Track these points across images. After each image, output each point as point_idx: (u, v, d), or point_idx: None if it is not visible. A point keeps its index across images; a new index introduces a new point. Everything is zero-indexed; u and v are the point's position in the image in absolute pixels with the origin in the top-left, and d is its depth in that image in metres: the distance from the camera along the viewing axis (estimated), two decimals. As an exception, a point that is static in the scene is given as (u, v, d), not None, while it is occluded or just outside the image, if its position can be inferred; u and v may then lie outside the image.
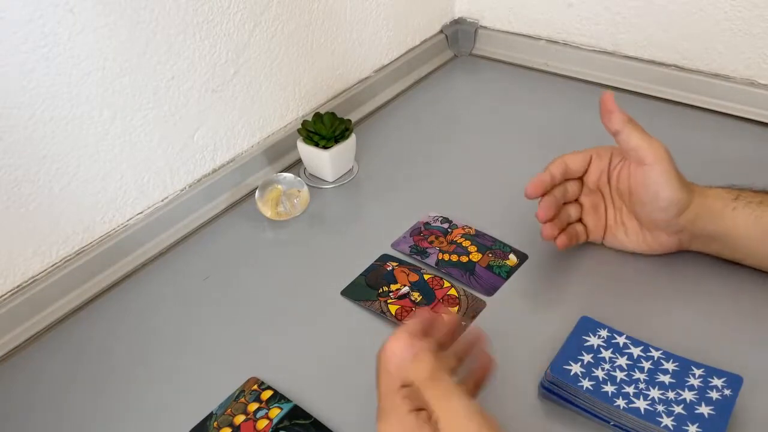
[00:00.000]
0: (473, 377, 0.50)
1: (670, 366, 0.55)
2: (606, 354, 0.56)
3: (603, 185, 0.66)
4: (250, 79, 0.80)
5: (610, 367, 0.55)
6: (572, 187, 0.66)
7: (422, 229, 0.74)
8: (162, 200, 0.76)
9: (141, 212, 0.74)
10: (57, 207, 0.66)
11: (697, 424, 0.50)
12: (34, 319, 0.67)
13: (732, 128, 0.86)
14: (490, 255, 0.70)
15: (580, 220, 0.68)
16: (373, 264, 0.70)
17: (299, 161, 0.86)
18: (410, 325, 0.47)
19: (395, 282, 0.68)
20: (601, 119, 0.63)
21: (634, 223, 0.66)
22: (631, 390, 0.53)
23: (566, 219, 0.67)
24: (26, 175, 0.63)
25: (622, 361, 0.55)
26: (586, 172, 0.66)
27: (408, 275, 0.69)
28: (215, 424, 0.56)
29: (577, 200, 0.68)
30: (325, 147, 0.80)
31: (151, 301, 0.70)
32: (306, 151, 0.82)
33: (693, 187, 0.62)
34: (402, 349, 0.45)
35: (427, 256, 0.71)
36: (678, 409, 0.51)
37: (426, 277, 0.68)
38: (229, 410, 0.57)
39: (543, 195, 0.64)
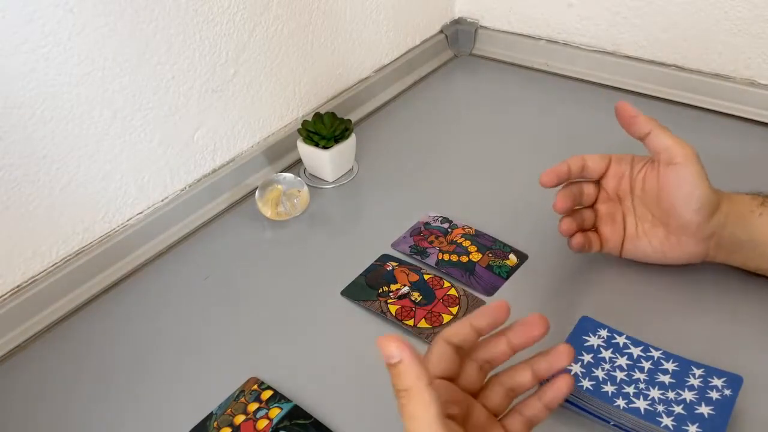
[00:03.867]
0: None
1: (670, 366, 0.55)
2: (606, 354, 0.56)
3: (624, 194, 0.64)
4: (250, 79, 0.80)
5: (610, 367, 0.55)
6: (588, 189, 0.64)
7: (422, 229, 0.74)
8: (162, 200, 0.76)
9: (141, 212, 0.74)
10: (57, 207, 0.66)
11: (697, 424, 0.50)
12: (34, 319, 0.67)
13: (732, 128, 0.86)
14: (490, 255, 0.70)
15: (594, 229, 0.66)
16: (373, 264, 0.70)
17: (299, 161, 0.86)
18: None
19: (395, 282, 0.68)
20: (623, 127, 0.61)
21: (659, 231, 0.62)
22: (631, 390, 0.53)
23: (581, 221, 0.64)
24: (26, 175, 0.63)
25: (622, 361, 0.55)
26: (604, 175, 0.64)
27: (408, 275, 0.69)
28: (215, 424, 0.56)
29: (592, 206, 0.65)
30: (325, 147, 0.80)
31: (151, 301, 0.70)
32: (306, 151, 0.82)
33: (719, 191, 0.61)
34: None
35: (427, 256, 0.71)
36: (678, 409, 0.51)
37: (426, 277, 0.68)
38: (229, 410, 0.57)
39: (557, 185, 0.62)
